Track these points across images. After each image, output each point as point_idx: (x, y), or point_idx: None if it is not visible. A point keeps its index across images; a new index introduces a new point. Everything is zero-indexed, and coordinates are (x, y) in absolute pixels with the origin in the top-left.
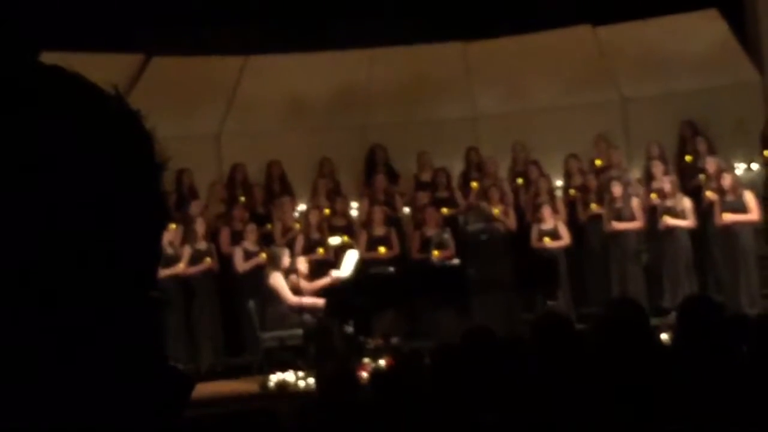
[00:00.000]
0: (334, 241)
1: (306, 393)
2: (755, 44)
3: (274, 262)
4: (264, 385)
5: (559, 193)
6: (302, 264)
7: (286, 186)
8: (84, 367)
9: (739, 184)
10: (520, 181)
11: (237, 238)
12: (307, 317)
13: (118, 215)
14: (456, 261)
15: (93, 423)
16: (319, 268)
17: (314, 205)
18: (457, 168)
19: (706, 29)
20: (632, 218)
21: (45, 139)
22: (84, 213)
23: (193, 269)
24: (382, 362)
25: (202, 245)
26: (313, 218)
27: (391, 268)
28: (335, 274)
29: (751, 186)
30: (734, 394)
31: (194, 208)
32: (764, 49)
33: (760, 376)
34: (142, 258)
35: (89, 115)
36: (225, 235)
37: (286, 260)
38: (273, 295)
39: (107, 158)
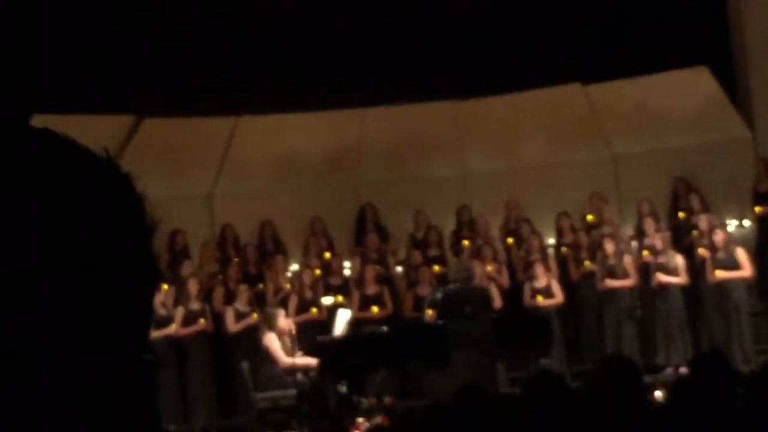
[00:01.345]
0: (327, 300)
1: None
2: (745, 101)
3: (268, 323)
4: None
5: (551, 251)
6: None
7: (279, 245)
8: (76, 430)
9: (731, 241)
10: (510, 240)
11: (230, 297)
12: (300, 377)
13: (110, 278)
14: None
15: None
16: (311, 329)
17: (306, 265)
18: (448, 226)
19: (697, 86)
20: (625, 275)
21: (35, 203)
22: (75, 275)
23: (186, 330)
24: (375, 421)
25: (195, 306)
26: (306, 278)
27: (384, 328)
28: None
29: (743, 242)
30: None
31: (186, 268)
32: (754, 106)
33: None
34: (134, 320)
35: (80, 178)
36: (219, 294)
37: (281, 321)
38: (266, 356)
39: (99, 221)
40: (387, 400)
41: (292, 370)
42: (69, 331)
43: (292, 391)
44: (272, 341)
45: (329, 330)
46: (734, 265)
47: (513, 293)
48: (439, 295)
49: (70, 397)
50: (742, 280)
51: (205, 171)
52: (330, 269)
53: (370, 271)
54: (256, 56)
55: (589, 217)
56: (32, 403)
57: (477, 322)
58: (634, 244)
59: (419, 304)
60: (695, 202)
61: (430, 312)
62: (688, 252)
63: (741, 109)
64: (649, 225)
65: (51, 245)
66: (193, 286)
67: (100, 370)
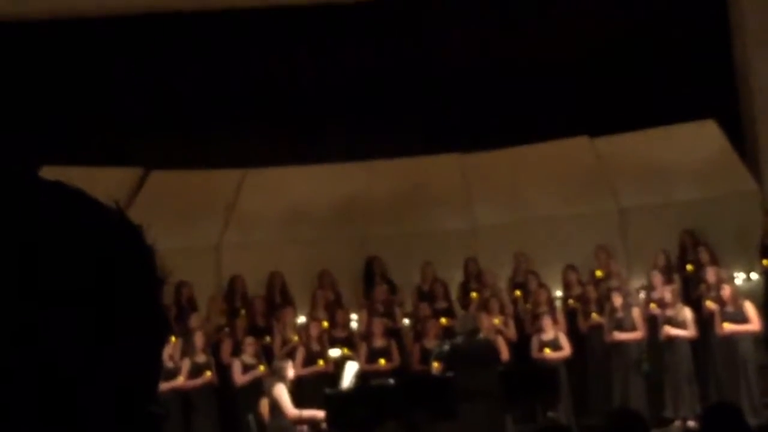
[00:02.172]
0: (335, 353)
1: None
2: (753, 154)
3: (277, 375)
4: None
5: (558, 304)
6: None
7: (287, 297)
8: None
9: (738, 295)
10: (518, 293)
11: (237, 350)
12: (307, 430)
13: (120, 329)
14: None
15: None
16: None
17: (313, 317)
18: (456, 278)
19: (704, 140)
20: (633, 328)
21: (48, 255)
22: (86, 327)
23: (193, 383)
24: None
25: (201, 358)
26: (313, 330)
27: (392, 380)
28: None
29: (751, 296)
30: None
31: (194, 320)
32: (762, 159)
33: None
34: (143, 372)
35: (91, 230)
36: (226, 346)
37: (290, 372)
38: (275, 407)
39: (110, 273)
40: None
41: (300, 422)
42: (80, 381)
43: None
44: (282, 393)
45: (337, 383)
46: (742, 319)
47: (520, 346)
48: (446, 347)
49: None
50: (750, 334)
51: (213, 223)
52: (336, 322)
53: (378, 324)
54: (263, 108)
55: (598, 273)
56: None
57: (484, 375)
58: (642, 296)
59: (426, 357)
60: (703, 255)
61: (436, 365)
62: (696, 305)
63: (748, 162)
64: (657, 278)
65: (63, 297)
66: (199, 339)
67: (110, 420)
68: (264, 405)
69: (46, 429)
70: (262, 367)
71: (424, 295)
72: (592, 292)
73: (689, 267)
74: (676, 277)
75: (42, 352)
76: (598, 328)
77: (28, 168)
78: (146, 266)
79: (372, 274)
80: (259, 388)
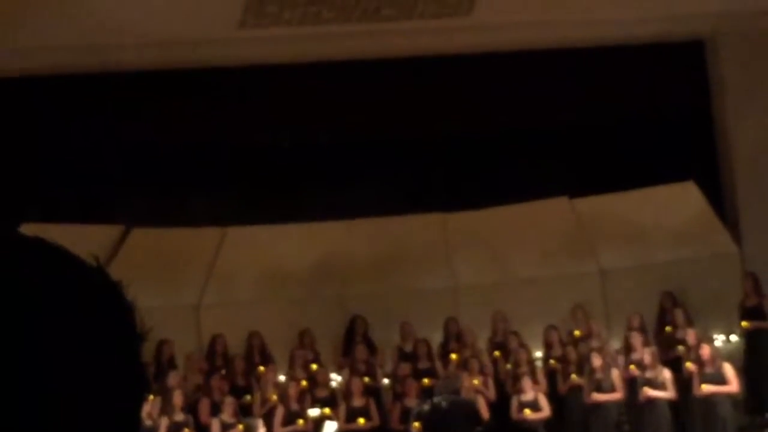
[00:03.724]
0: (314, 412)
1: None
2: (732, 216)
3: None
4: None
5: (539, 364)
6: None
7: (267, 357)
8: None
9: (717, 356)
10: (497, 353)
11: (216, 409)
12: None
13: (100, 386)
14: None
15: None
16: None
17: (292, 377)
18: (436, 338)
19: (683, 201)
20: (612, 389)
21: (28, 311)
22: (64, 383)
23: None
24: None
25: (179, 417)
26: (292, 390)
27: None
28: None
29: (731, 357)
30: None
31: (172, 379)
32: (741, 221)
33: None
34: (122, 429)
35: (71, 287)
36: (204, 406)
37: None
38: None
39: (90, 329)
40: None
41: None
42: None
43: None
44: None
45: None
46: (721, 380)
47: (500, 406)
48: (426, 407)
49: None
50: (729, 395)
51: (193, 281)
52: (316, 381)
53: (357, 383)
54: (243, 168)
55: (576, 333)
56: None
57: None
58: (621, 358)
59: (406, 417)
60: (680, 316)
61: (416, 425)
62: (675, 366)
63: (728, 224)
64: (637, 339)
65: (41, 354)
66: (177, 398)
67: None
68: None
69: None
70: (240, 427)
71: (405, 355)
72: (572, 353)
73: (668, 328)
74: (652, 338)
75: (20, 407)
76: (578, 388)
77: (8, 224)
78: (126, 323)
79: (354, 333)
80: None
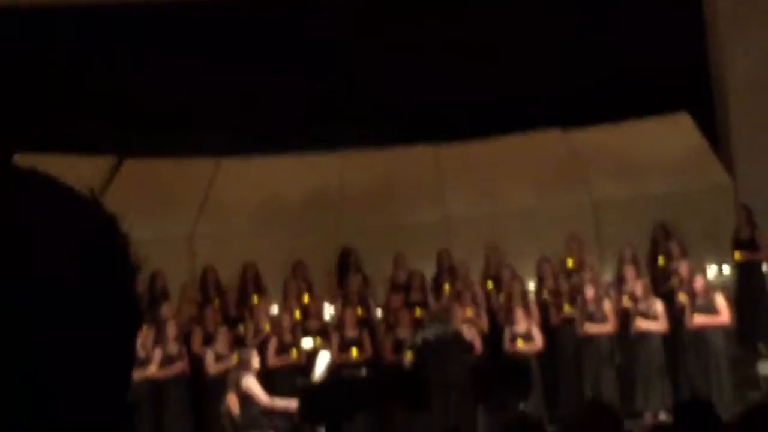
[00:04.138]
0: (307, 343)
1: None
2: (726, 148)
3: (243, 365)
4: None
5: (531, 296)
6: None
7: (260, 288)
8: None
9: (710, 287)
10: (490, 285)
11: (209, 340)
12: (279, 421)
13: (94, 317)
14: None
15: None
16: (290, 372)
17: (286, 308)
18: (428, 270)
19: (677, 133)
20: (604, 321)
21: (22, 241)
22: (59, 314)
23: (164, 372)
24: None
25: (173, 348)
26: (286, 321)
27: (364, 371)
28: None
29: (723, 289)
30: None
31: (166, 310)
32: (735, 153)
33: None
34: (116, 360)
35: (66, 217)
36: (197, 336)
37: (255, 362)
38: (244, 398)
39: (84, 260)
40: None
41: (272, 411)
42: (54, 368)
43: None
44: (252, 383)
45: (309, 373)
46: (713, 311)
47: (493, 338)
48: (418, 339)
49: None
50: (721, 326)
51: (186, 212)
52: (309, 312)
53: (351, 315)
54: (238, 99)
55: (569, 263)
56: None
57: (456, 368)
58: (614, 289)
59: (398, 348)
60: (675, 248)
61: (409, 355)
62: (667, 298)
63: (722, 156)
64: (629, 271)
65: (35, 284)
66: (171, 329)
67: (83, 407)
68: (231, 398)
69: (18, 414)
70: (234, 357)
71: (398, 287)
72: (564, 285)
73: (660, 260)
74: (645, 270)
75: (14, 339)
76: (570, 320)
77: (1, 156)
78: (121, 254)
79: (346, 265)
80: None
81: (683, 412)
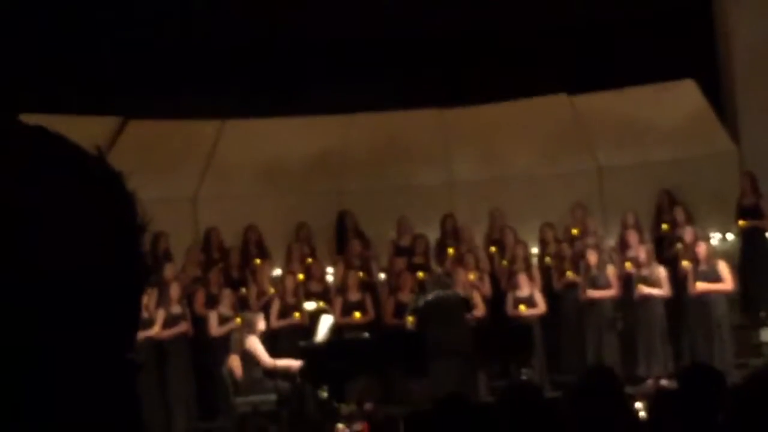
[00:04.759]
0: (310, 306)
1: None
2: (731, 114)
3: (249, 327)
4: None
5: (534, 261)
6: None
7: (263, 250)
8: (60, 429)
9: (713, 254)
10: (493, 249)
11: (212, 301)
12: (281, 382)
13: (100, 276)
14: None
15: None
16: (293, 334)
17: (289, 270)
18: (432, 234)
19: (683, 99)
20: (607, 286)
21: (28, 198)
22: (65, 274)
23: (167, 333)
24: (356, 428)
25: (176, 309)
26: (289, 283)
27: (366, 334)
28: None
29: (726, 256)
30: None
31: (169, 271)
32: (740, 120)
33: None
34: (121, 320)
35: (73, 175)
36: (200, 297)
37: (261, 324)
38: (248, 359)
39: (90, 218)
40: (367, 406)
41: (274, 372)
42: (58, 326)
43: (273, 396)
44: (256, 344)
45: (311, 335)
46: (716, 278)
47: (496, 302)
48: (420, 302)
49: (59, 395)
50: (724, 294)
51: (190, 174)
52: (312, 275)
53: (353, 278)
54: (242, 60)
55: (574, 231)
56: (17, 400)
57: (458, 332)
58: (617, 255)
59: (400, 311)
60: (680, 214)
61: (411, 319)
62: (671, 264)
63: (726, 123)
64: (633, 237)
65: (42, 242)
66: (174, 290)
67: (88, 367)
68: (233, 360)
69: (21, 374)
70: (238, 319)
71: (401, 250)
72: (567, 250)
73: (664, 226)
74: (648, 236)
75: (18, 296)
76: (573, 286)
77: (8, 114)
78: (127, 212)
79: (344, 228)
80: (234, 342)
81: (689, 376)
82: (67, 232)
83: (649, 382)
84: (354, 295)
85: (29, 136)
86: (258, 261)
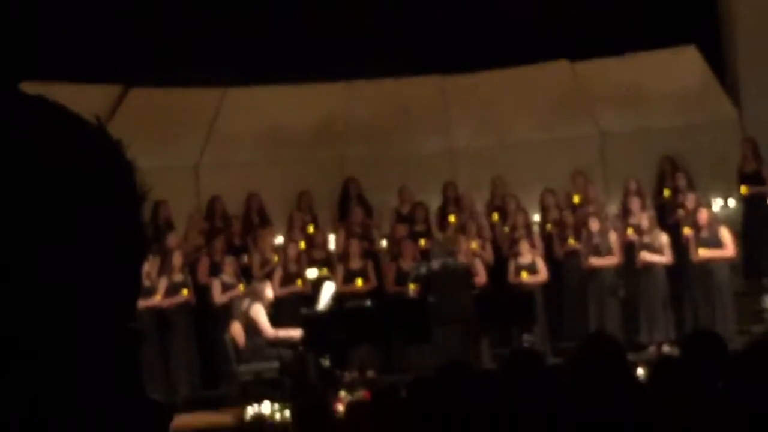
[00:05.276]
0: (312, 273)
1: (282, 425)
2: (733, 81)
3: (255, 295)
4: (240, 417)
5: (535, 228)
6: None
7: (265, 218)
8: (62, 399)
9: (715, 220)
10: (495, 216)
11: (215, 269)
12: (283, 350)
13: (100, 246)
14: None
15: None
16: (295, 302)
17: (291, 238)
18: (433, 201)
19: (685, 66)
20: (609, 254)
21: (27, 168)
22: (65, 243)
23: (170, 301)
24: (358, 395)
25: (178, 277)
26: (291, 251)
27: (368, 302)
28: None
29: (728, 222)
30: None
31: (171, 239)
32: (742, 86)
33: (736, 412)
34: (122, 288)
35: (72, 144)
36: (204, 265)
37: (268, 293)
38: (251, 327)
39: (90, 187)
40: (369, 374)
41: (276, 341)
42: (60, 296)
43: (275, 364)
44: (259, 312)
45: (313, 303)
46: (718, 245)
47: (497, 270)
48: (423, 270)
49: (60, 365)
50: (726, 260)
51: (192, 142)
52: (314, 243)
53: (355, 245)
54: (243, 28)
55: (576, 199)
56: (20, 368)
57: (460, 299)
58: (619, 222)
59: (402, 278)
60: (681, 181)
61: (413, 287)
62: (673, 231)
63: (728, 89)
64: (635, 203)
65: (41, 211)
66: (177, 258)
67: (89, 338)
68: (236, 327)
69: (22, 344)
70: (241, 287)
71: (403, 218)
72: (569, 217)
73: (666, 193)
74: (650, 203)
75: (18, 266)
76: (575, 253)
77: (7, 82)
78: (127, 181)
79: (348, 195)
80: (236, 308)
81: (690, 343)
82: (66, 201)
83: (651, 348)
84: (356, 263)
85: (29, 106)
86: (260, 229)
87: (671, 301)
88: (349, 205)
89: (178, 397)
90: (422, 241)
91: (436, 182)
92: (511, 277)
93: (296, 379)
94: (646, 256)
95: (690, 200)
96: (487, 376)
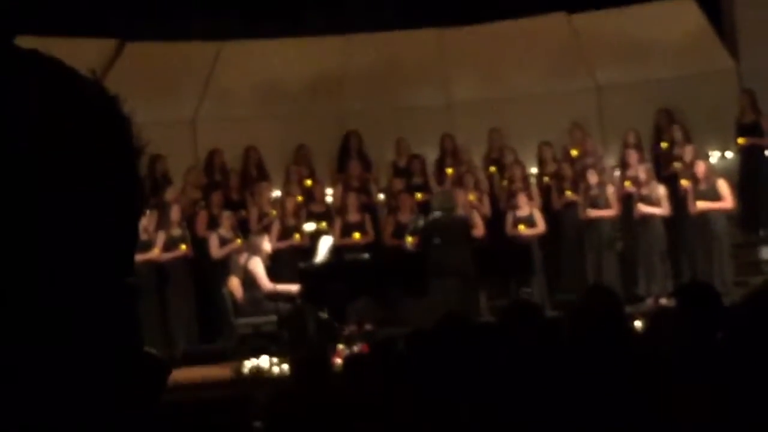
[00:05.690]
0: (310, 227)
1: (280, 379)
2: (730, 32)
3: (252, 249)
4: (238, 371)
5: (533, 181)
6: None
7: (263, 172)
8: (59, 355)
9: (712, 172)
10: (493, 169)
11: (213, 223)
12: (281, 304)
13: (97, 200)
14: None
15: (69, 411)
16: (293, 256)
17: (288, 192)
18: (431, 154)
19: (682, 17)
20: (607, 206)
21: (24, 122)
22: (62, 197)
23: (168, 255)
24: (356, 348)
25: (176, 231)
26: (289, 205)
27: (366, 255)
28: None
29: (726, 174)
30: (709, 382)
31: (169, 194)
32: (739, 37)
33: (735, 364)
34: (119, 243)
35: (68, 98)
36: (202, 219)
37: (266, 246)
38: (249, 281)
39: (87, 141)
40: (367, 327)
41: (274, 295)
42: (56, 251)
43: (273, 317)
44: (257, 266)
45: (311, 257)
46: (716, 197)
47: (495, 222)
48: (420, 222)
49: (57, 319)
50: (724, 212)
51: (189, 96)
52: (312, 196)
53: (353, 199)
54: None
55: (574, 152)
56: (16, 324)
57: (458, 251)
58: (617, 174)
59: (399, 231)
60: (678, 133)
61: (410, 239)
62: (670, 183)
63: (726, 41)
64: (633, 156)
65: (38, 165)
66: (175, 212)
67: (86, 293)
68: (234, 281)
69: (21, 299)
70: (239, 241)
71: (400, 171)
72: (566, 170)
73: (663, 144)
74: (648, 155)
75: (18, 220)
76: (573, 205)
77: (2, 37)
78: (123, 135)
79: (348, 149)
80: (234, 262)
81: (686, 294)
82: (62, 156)
83: (649, 301)
84: (353, 216)
85: (24, 60)
86: (257, 182)
87: (669, 253)
88: (348, 159)
89: (177, 351)
90: (419, 195)
91: (434, 135)
92: (508, 229)
93: (294, 333)
94: (644, 208)
95: (687, 152)
96: (485, 329)
